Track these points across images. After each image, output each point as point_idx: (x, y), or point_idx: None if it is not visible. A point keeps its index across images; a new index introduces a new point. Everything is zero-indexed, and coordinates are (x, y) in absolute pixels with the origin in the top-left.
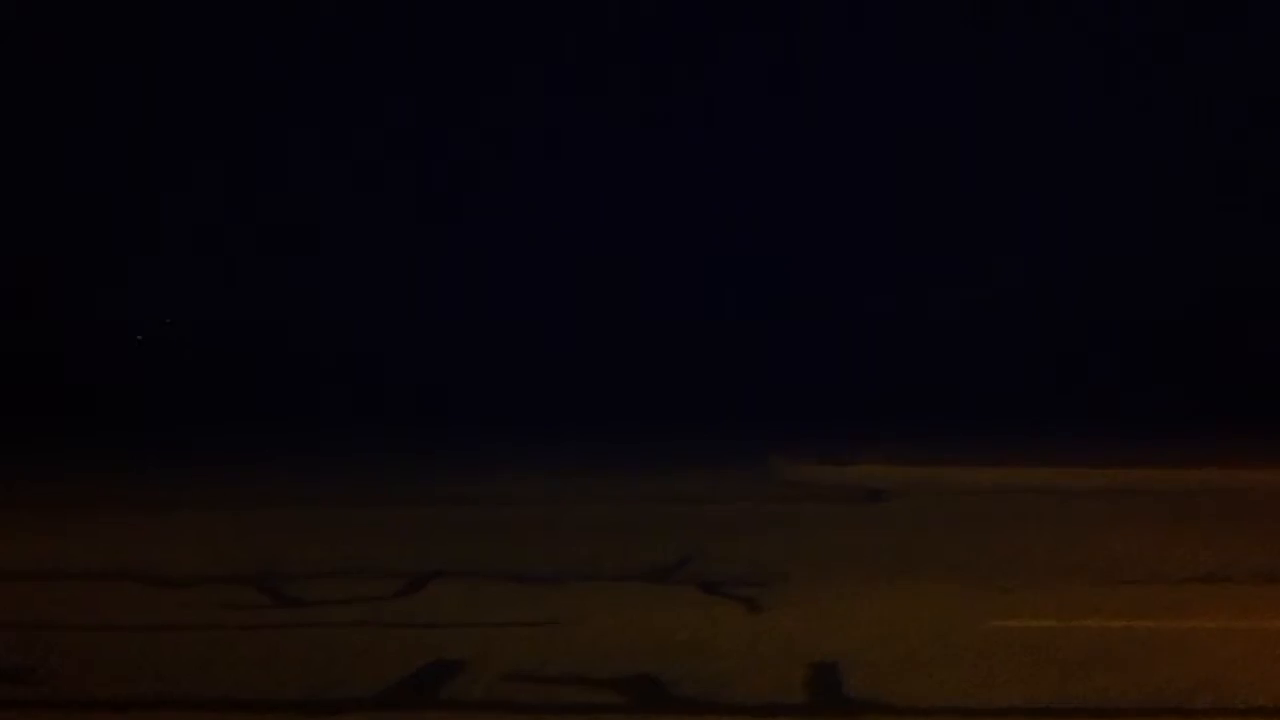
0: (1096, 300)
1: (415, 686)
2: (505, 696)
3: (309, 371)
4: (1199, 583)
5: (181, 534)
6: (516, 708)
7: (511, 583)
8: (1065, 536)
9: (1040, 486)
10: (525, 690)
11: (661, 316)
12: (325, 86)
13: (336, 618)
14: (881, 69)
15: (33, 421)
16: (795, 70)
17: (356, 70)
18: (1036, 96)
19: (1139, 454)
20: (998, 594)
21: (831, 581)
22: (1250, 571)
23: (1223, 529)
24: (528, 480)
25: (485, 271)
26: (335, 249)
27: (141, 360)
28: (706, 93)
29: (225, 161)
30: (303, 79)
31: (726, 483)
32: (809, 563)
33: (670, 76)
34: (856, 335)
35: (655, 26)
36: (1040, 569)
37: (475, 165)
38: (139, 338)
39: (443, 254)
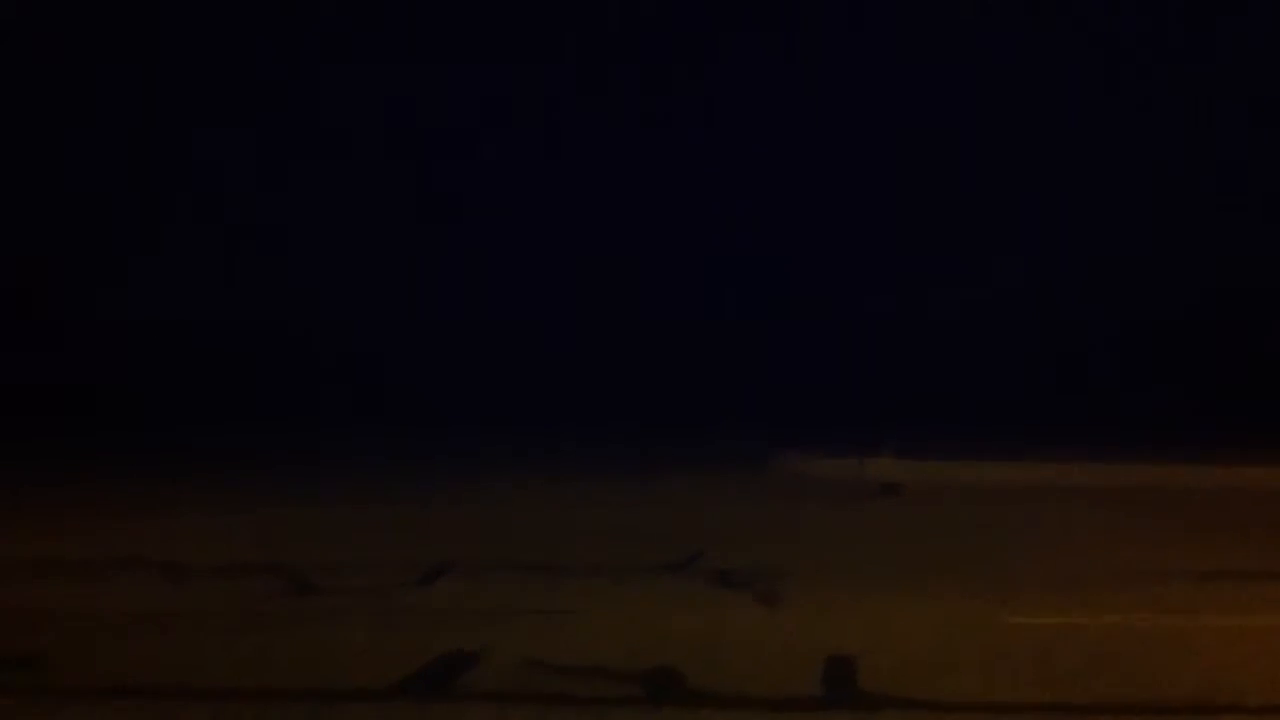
0: (1097, 300)
1: (430, 677)
2: (520, 687)
3: (309, 371)
4: (1208, 580)
5: (189, 531)
6: (532, 698)
7: (521, 578)
8: (1075, 533)
9: (1050, 484)
10: (540, 680)
11: (662, 317)
12: (325, 87)
13: (354, 608)
14: (882, 70)
15: (33, 422)
16: (796, 71)
17: (357, 71)
18: (1036, 97)
19: (1147, 454)
20: (1010, 590)
21: (844, 576)
22: (1259, 570)
23: (1230, 528)
24: (532, 481)
25: (485, 272)
26: (335, 249)
27: (142, 360)
28: (707, 93)
29: (225, 161)
30: (303, 79)
31: (739, 479)
32: (823, 557)
33: (671, 77)
34: (858, 335)
35: (655, 26)
36: (1051, 565)
37: (476, 166)
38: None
39: (443, 255)
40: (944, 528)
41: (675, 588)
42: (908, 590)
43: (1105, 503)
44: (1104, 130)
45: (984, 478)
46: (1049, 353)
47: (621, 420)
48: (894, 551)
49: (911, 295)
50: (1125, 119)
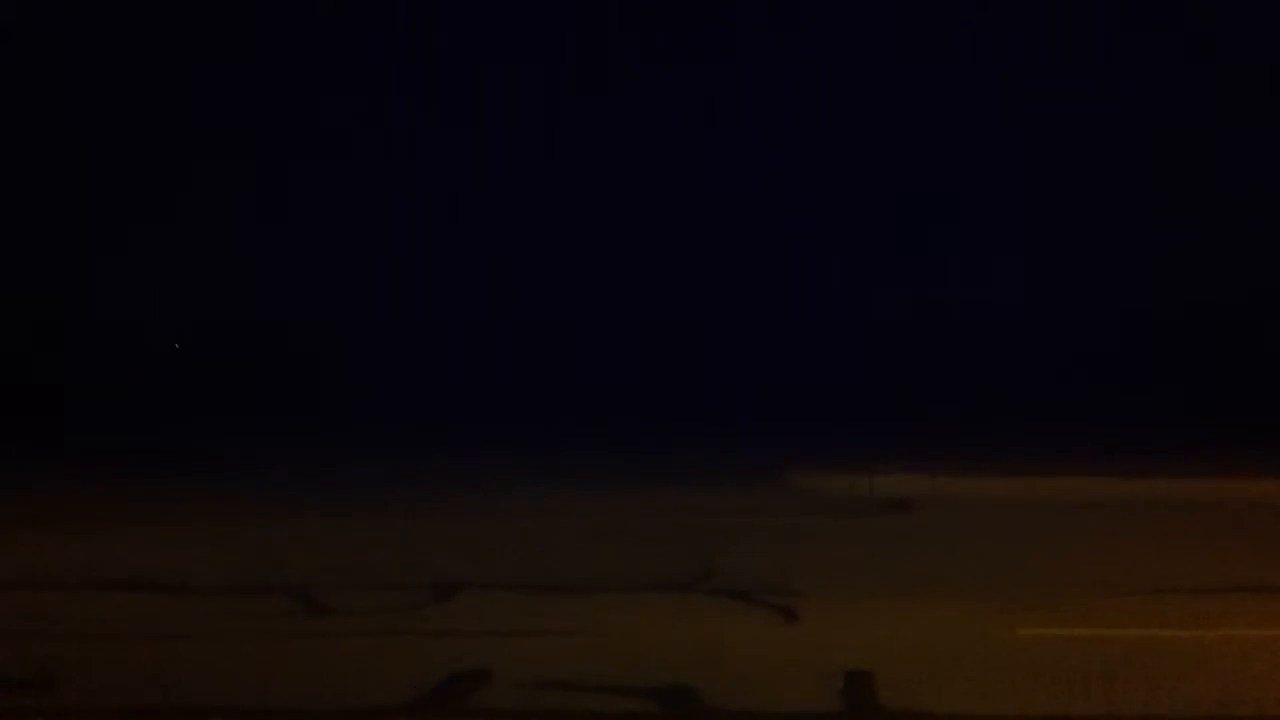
0: (1100, 305)
1: (444, 695)
2: (532, 704)
3: (311, 374)
4: (1223, 593)
5: (197, 543)
6: (543, 715)
7: (536, 593)
8: (1088, 546)
9: (1063, 497)
10: (556, 698)
11: (670, 321)
12: (325, 89)
13: (364, 628)
14: (883, 69)
15: (33, 423)
16: (799, 71)
17: (357, 75)
18: (1038, 96)
19: (1160, 465)
20: (1023, 604)
21: (858, 591)
22: (1272, 583)
23: (1244, 540)
24: (544, 492)
25: (490, 276)
26: (339, 253)
27: (142, 362)
28: (709, 94)
29: (226, 165)
30: (303, 82)
31: (749, 493)
32: (835, 573)
33: (677, 77)
34: (868, 338)
35: (652, 26)
36: (1064, 578)
37: (478, 169)
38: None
39: (446, 260)
40: (954, 542)
41: (687, 603)
42: (921, 604)
43: (1115, 516)
44: (1104, 130)
45: (992, 491)
46: (1056, 359)
47: (636, 428)
48: (905, 566)
49: (923, 298)
50: (1126, 118)
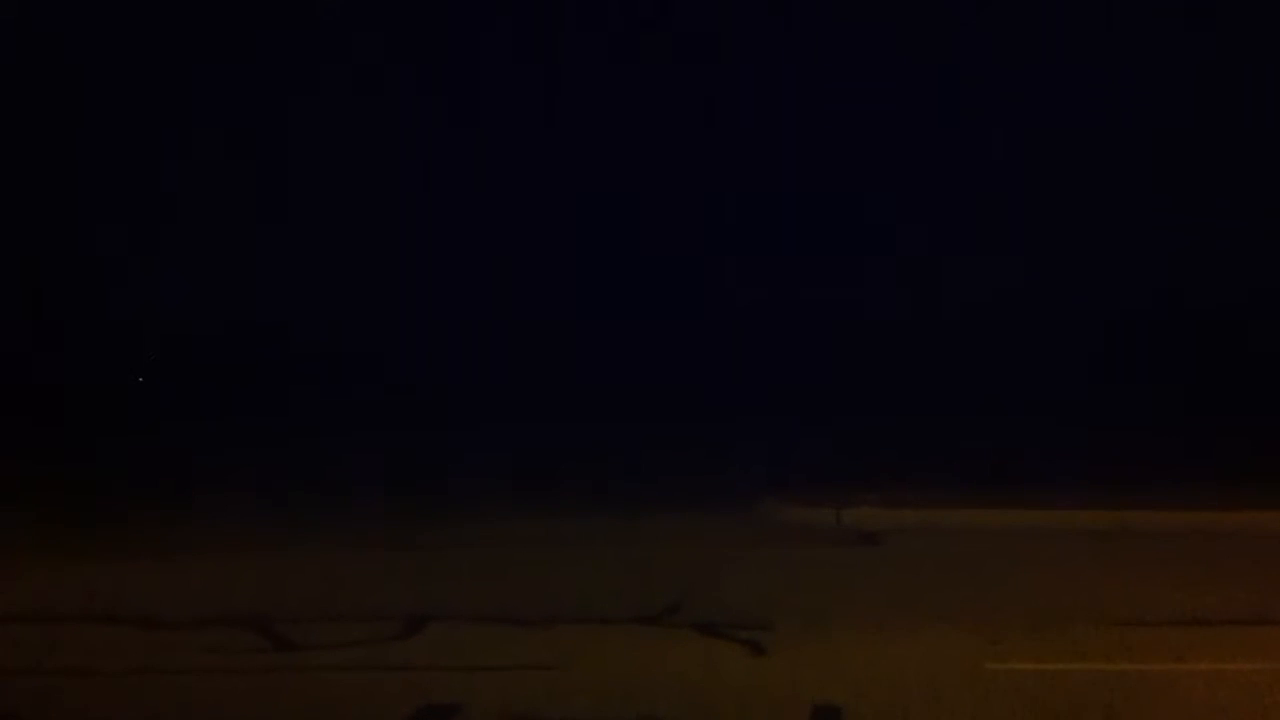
0: (1094, 306)
1: None
2: None
3: (301, 384)
4: (1191, 625)
5: (173, 575)
6: None
7: (507, 625)
8: (1058, 580)
9: (1033, 529)
10: None
11: (669, 320)
12: (324, 86)
13: (332, 662)
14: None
15: (20, 439)
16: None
17: (355, 70)
18: (1036, 94)
19: (1131, 496)
20: (992, 638)
21: (827, 625)
22: (1242, 614)
23: (1214, 571)
24: (519, 521)
25: (482, 278)
26: (340, 252)
27: (139, 364)
28: (706, 87)
29: (225, 162)
30: (302, 79)
31: (719, 524)
32: (804, 606)
33: (676, 80)
34: (865, 340)
35: (655, 26)
36: (1033, 612)
37: (478, 169)
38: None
39: (451, 258)
40: (929, 575)
41: (658, 637)
42: (891, 638)
43: (1091, 548)
44: (1103, 129)
45: (971, 523)
46: (1053, 363)
47: (621, 434)
48: (876, 599)
49: (914, 300)
50: (1128, 116)
